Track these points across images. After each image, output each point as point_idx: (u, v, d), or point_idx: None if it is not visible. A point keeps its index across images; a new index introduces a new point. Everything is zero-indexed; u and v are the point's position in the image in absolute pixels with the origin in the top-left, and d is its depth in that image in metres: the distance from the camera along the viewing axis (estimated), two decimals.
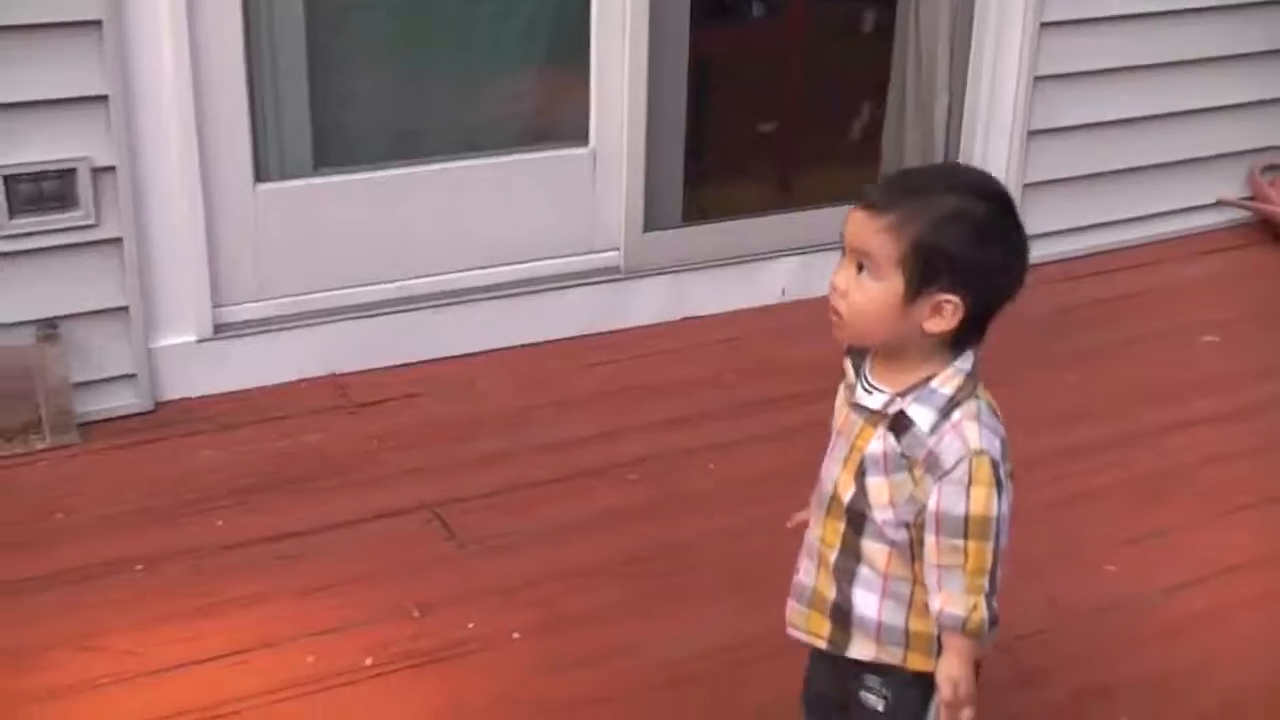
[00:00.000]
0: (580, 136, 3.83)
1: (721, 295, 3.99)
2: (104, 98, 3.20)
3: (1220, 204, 4.62)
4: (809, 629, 2.06)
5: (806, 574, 2.05)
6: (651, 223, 3.90)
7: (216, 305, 3.49)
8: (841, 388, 2.02)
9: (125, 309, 3.35)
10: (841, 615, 2.02)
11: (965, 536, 1.90)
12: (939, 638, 1.96)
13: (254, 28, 3.41)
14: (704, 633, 2.68)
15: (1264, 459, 3.42)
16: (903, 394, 1.92)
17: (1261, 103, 4.59)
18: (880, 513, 1.96)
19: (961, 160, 4.25)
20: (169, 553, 2.89)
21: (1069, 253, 4.40)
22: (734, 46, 4.25)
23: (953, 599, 1.92)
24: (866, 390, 1.96)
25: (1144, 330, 4.04)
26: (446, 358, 3.69)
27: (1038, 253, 4.43)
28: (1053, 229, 4.34)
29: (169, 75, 3.27)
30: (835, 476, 2.00)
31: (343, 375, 3.59)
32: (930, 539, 1.92)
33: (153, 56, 3.24)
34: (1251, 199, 4.62)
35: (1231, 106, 4.53)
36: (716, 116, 4.25)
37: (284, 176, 3.55)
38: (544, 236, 3.82)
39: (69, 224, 3.24)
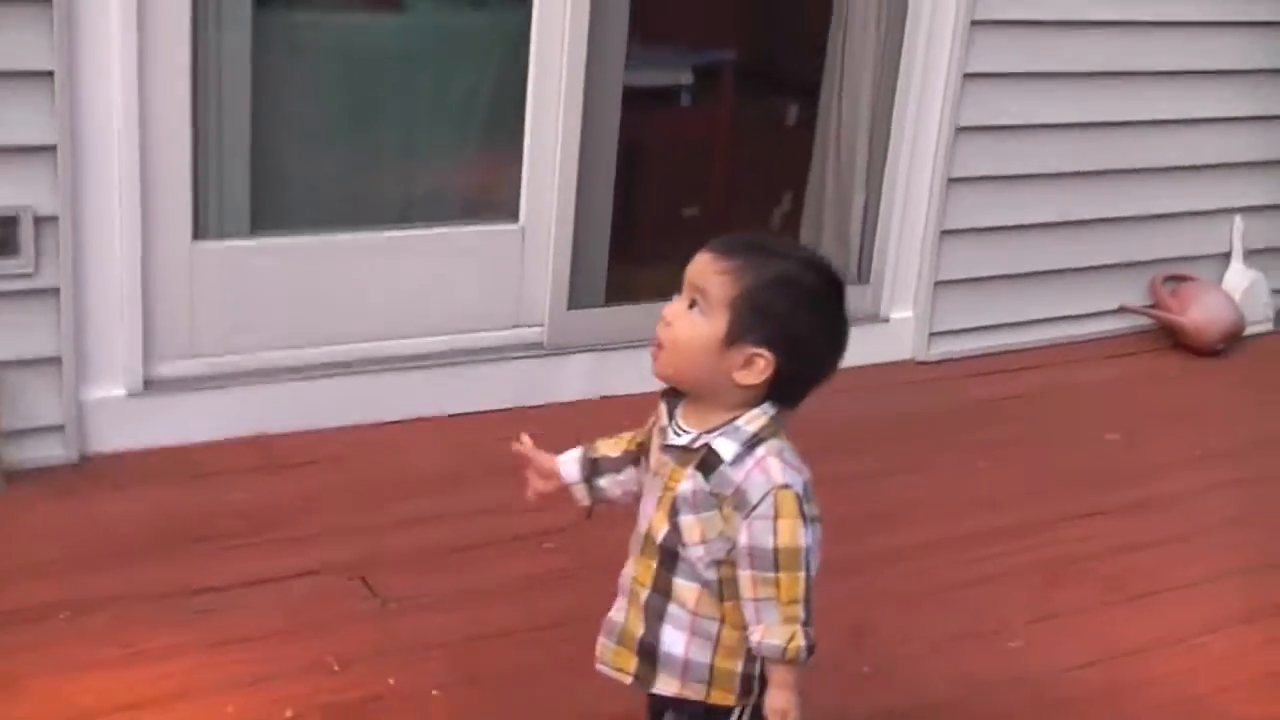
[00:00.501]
0: (511, 213, 3.84)
1: (643, 375, 3.96)
2: (51, 148, 3.18)
3: (1123, 310, 4.71)
4: (615, 664, 2.12)
5: (618, 611, 2.12)
6: (576, 300, 3.92)
7: (148, 360, 3.45)
8: (655, 431, 2.09)
9: (58, 359, 3.31)
10: (648, 652, 2.07)
11: (776, 569, 1.95)
12: (744, 675, 2.03)
13: (201, 89, 3.42)
14: (619, 692, 2.68)
15: (1164, 549, 3.48)
16: (709, 431, 1.99)
17: (1162, 216, 4.71)
18: (693, 550, 2.00)
19: (877, 258, 4.33)
20: (91, 601, 2.84)
21: (977, 350, 4.47)
22: (662, 133, 4.32)
23: (771, 630, 1.97)
24: (676, 433, 2.03)
25: (1051, 426, 4.11)
26: (375, 423, 3.67)
27: (947, 348, 4.49)
28: (961, 326, 4.44)
29: (116, 129, 3.26)
30: (650, 516, 2.05)
31: (271, 436, 3.56)
32: (744, 574, 1.97)
33: (102, 109, 3.24)
34: (1153, 307, 4.73)
35: (1134, 218, 4.65)
36: (642, 200, 4.30)
37: (222, 235, 3.54)
38: (473, 309, 3.84)
39: (8, 271, 3.21)
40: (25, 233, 3.20)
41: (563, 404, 3.90)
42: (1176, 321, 4.64)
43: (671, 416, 2.06)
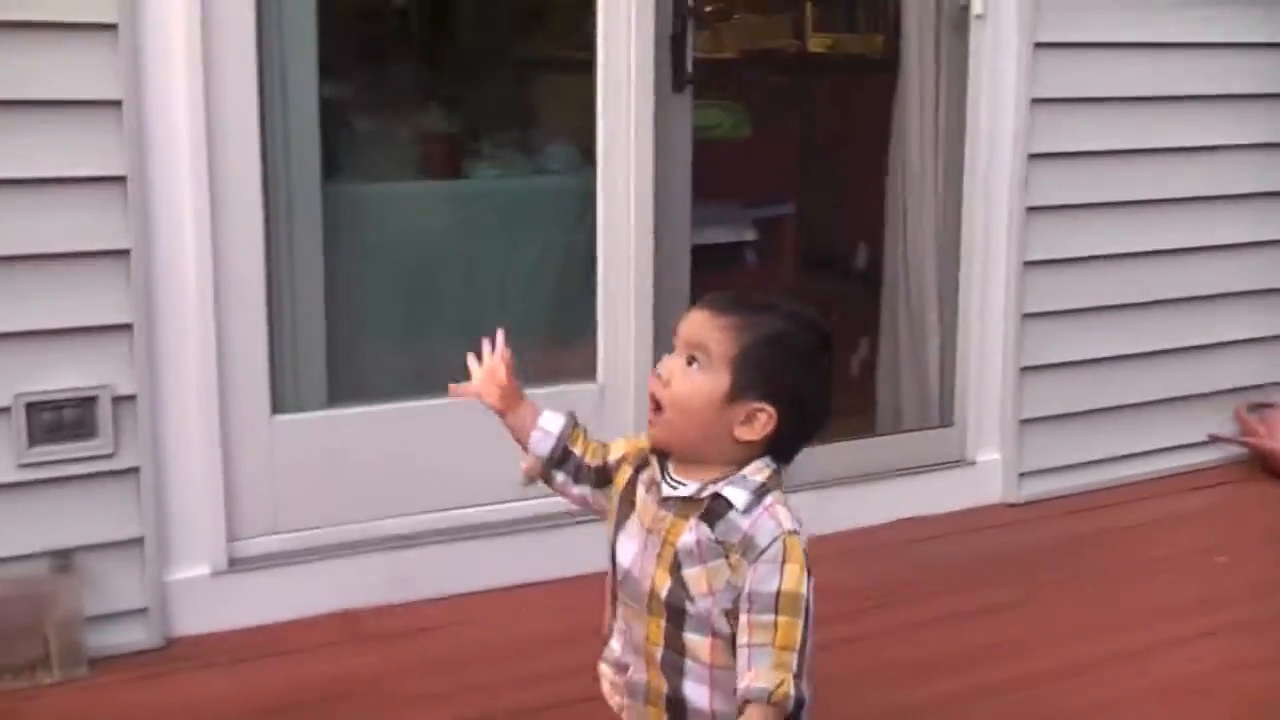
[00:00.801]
0: (588, 373, 3.76)
1: None
2: (128, 326, 3.14)
3: (1212, 440, 4.55)
4: None
5: (638, 671, 2.07)
6: None
7: (231, 537, 3.35)
8: (640, 484, 2.09)
9: (140, 540, 3.21)
10: (678, 707, 2.04)
11: (776, 611, 1.94)
12: None
13: (274, 264, 3.38)
14: None
15: None
16: (714, 481, 2.00)
17: (1245, 341, 4.57)
18: (701, 602, 1.98)
19: (958, 400, 4.21)
20: None
21: (1067, 489, 4.29)
22: (729, 287, 4.26)
23: (760, 675, 1.92)
24: (672, 485, 2.04)
25: (1154, 554, 3.93)
26: (461, 593, 3.52)
27: (1037, 489, 4.31)
28: (1049, 465, 4.28)
29: (192, 306, 3.22)
30: (651, 574, 2.02)
31: (356, 610, 3.42)
32: (742, 619, 1.95)
33: (177, 287, 3.20)
34: (1241, 435, 4.57)
35: (1212, 346, 4.50)
36: None
37: (299, 409, 3.47)
38: None
39: (87, 453, 3.14)
40: (104, 413, 3.14)
41: None
42: (1268, 447, 4.46)
43: (663, 471, 2.07)
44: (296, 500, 3.45)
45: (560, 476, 2.19)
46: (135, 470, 3.20)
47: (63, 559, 3.12)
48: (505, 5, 4.31)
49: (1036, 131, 4.10)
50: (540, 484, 2.25)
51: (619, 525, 2.12)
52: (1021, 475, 4.25)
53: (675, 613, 2.00)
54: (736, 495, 1.97)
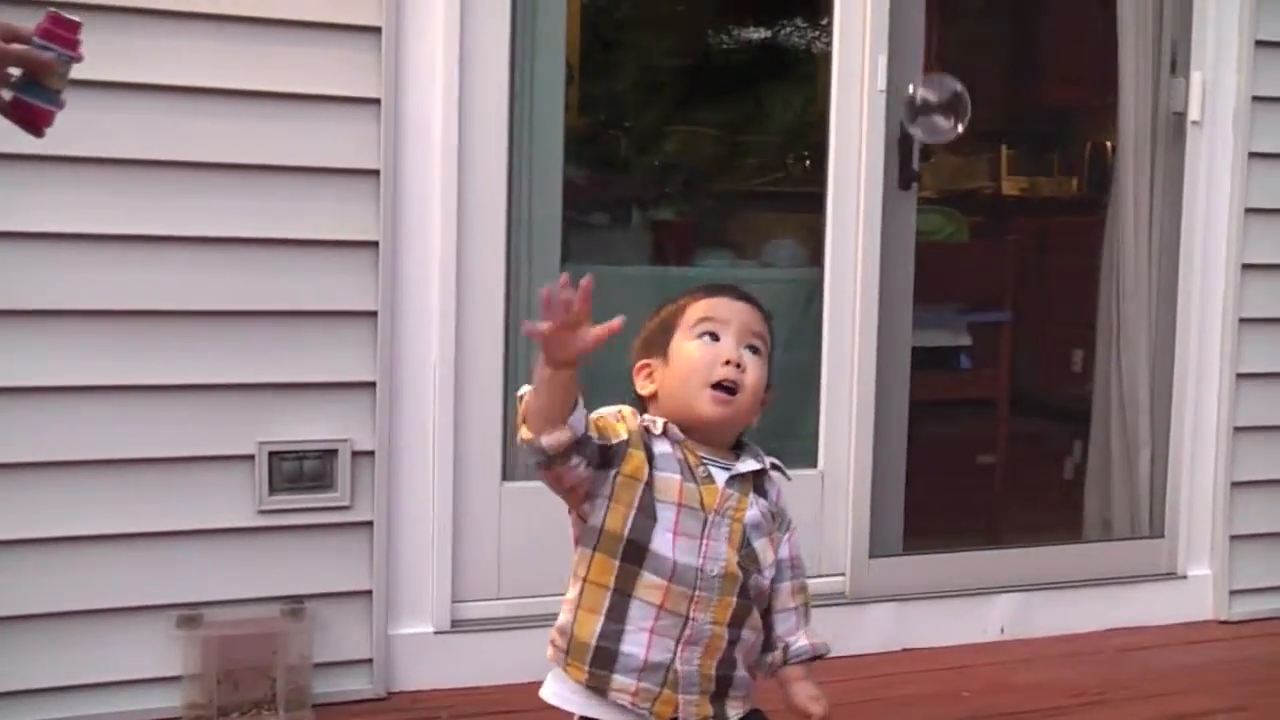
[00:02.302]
0: (809, 459, 3.54)
1: (942, 628, 3.59)
2: (371, 384, 3.03)
3: None
4: (699, 716, 1.94)
5: (688, 663, 1.93)
6: (876, 549, 3.55)
7: (456, 599, 3.18)
8: (675, 468, 1.94)
9: (369, 593, 3.06)
10: (722, 687, 1.96)
11: (804, 574, 2.06)
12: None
13: (512, 337, 3.24)
14: None
15: None
16: (737, 457, 2.01)
17: None
18: (767, 572, 1.98)
19: (1169, 512, 3.87)
20: None
21: (1278, 610, 3.92)
22: (945, 389, 4.07)
23: (815, 632, 2.04)
24: (723, 465, 1.98)
25: None
26: None
27: (1251, 607, 3.94)
28: (1260, 585, 3.90)
29: (433, 370, 3.10)
30: (723, 555, 1.92)
31: None
32: (785, 585, 2.02)
33: (420, 351, 3.10)
34: None
35: None
36: (930, 452, 3.96)
37: (529, 477, 3.30)
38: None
39: (324, 504, 3.02)
40: (343, 466, 3.02)
41: (862, 655, 3.44)
42: None
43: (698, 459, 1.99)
44: (520, 567, 3.26)
45: (575, 459, 1.91)
46: (369, 524, 3.06)
47: (295, 605, 2.98)
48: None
49: (1250, 241, 3.83)
50: (529, 463, 1.99)
51: (651, 515, 1.91)
52: (1233, 592, 3.87)
53: (744, 589, 1.95)
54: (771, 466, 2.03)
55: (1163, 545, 3.89)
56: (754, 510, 1.96)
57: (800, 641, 2.01)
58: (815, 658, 2.03)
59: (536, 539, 3.27)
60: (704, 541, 1.91)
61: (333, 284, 3.01)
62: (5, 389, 2.81)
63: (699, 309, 2.04)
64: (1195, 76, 3.83)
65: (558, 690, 2.00)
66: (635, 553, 1.91)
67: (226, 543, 2.96)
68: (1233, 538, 3.89)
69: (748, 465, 1.99)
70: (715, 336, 2.00)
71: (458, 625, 3.19)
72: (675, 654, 1.91)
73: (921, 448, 3.68)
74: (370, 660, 3.08)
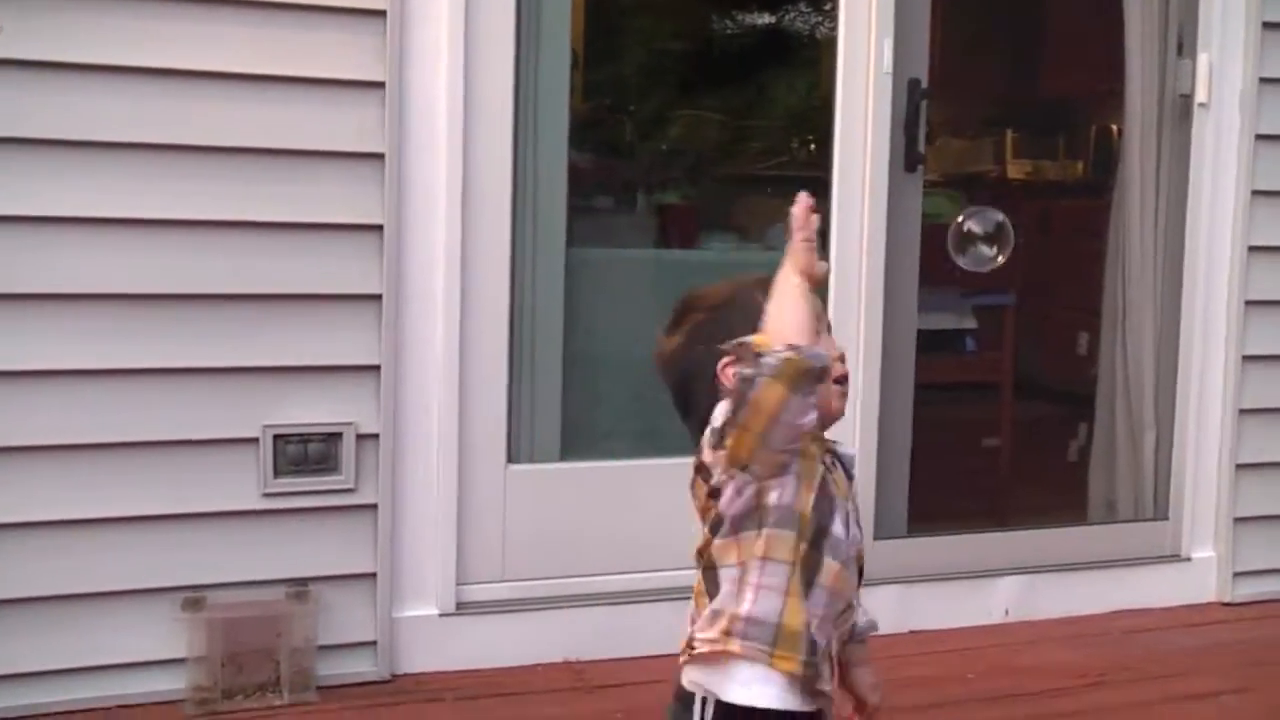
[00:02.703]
0: None
1: (946, 610, 3.55)
2: (375, 368, 3.00)
3: None
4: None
5: (832, 648, 1.85)
6: (880, 531, 3.50)
7: (460, 582, 3.15)
8: (817, 463, 1.79)
9: (373, 576, 3.03)
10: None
11: None
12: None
13: (517, 322, 3.23)
14: None
15: None
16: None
17: None
18: None
19: (1174, 494, 3.84)
20: None
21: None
22: (950, 372, 4.03)
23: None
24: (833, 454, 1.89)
25: None
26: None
27: (1255, 589, 3.90)
28: (1264, 566, 3.85)
29: (438, 353, 3.08)
30: (858, 538, 1.91)
31: (580, 662, 3.19)
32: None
33: (425, 334, 3.07)
34: None
35: None
36: (935, 435, 3.93)
37: (533, 460, 3.27)
38: None
39: (329, 487, 2.99)
40: (347, 449, 2.99)
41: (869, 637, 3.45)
42: None
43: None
44: (525, 549, 3.23)
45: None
46: (373, 507, 3.03)
47: (299, 587, 2.95)
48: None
49: (1257, 224, 3.77)
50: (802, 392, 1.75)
51: (829, 497, 1.81)
52: (1237, 574, 3.83)
53: (861, 570, 1.93)
54: None
55: (1167, 527, 3.85)
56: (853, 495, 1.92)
57: (863, 618, 1.97)
58: (874, 629, 2.03)
59: (541, 521, 3.26)
60: (848, 522, 1.85)
61: (337, 267, 2.98)
62: (8, 373, 2.78)
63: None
64: (1202, 59, 3.78)
65: (766, 691, 1.76)
66: (819, 535, 1.79)
67: (231, 525, 2.94)
68: (1236, 520, 3.85)
69: (849, 450, 1.91)
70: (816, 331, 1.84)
71: (462, 608, 3.16)
72: (831, 639, 1.82)
73: (926, 430, 3.65)
74: (375, 643, 3.05)
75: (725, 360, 1.80)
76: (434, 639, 3.12)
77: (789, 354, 1.69)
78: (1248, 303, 3.80)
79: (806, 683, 1.75)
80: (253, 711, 2.88)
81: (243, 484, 2.93)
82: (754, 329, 1.76)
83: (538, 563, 3.24)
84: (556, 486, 3.29)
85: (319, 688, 2.96)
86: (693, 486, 1.85)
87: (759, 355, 1.70)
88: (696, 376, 1.88)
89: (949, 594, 3.57)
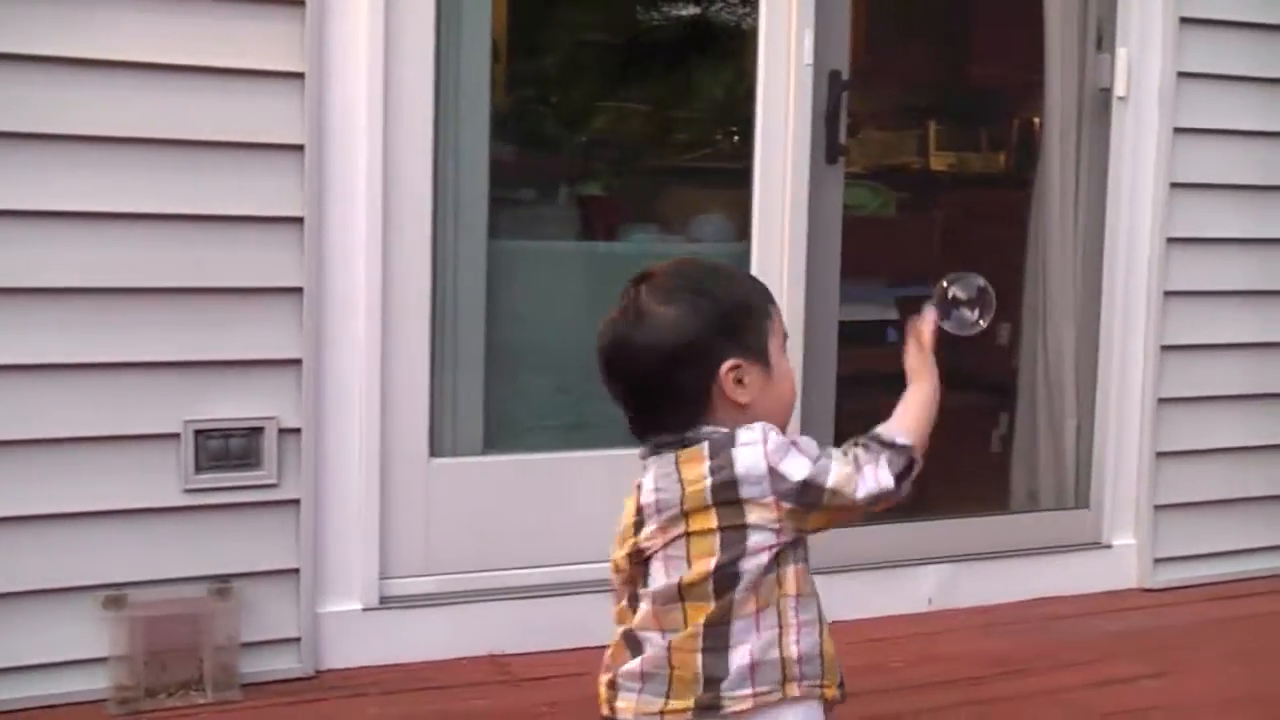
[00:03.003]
0: None
1: (870, 600, 3.60)
2: (297, 361, 3.01)
3: None
4: None
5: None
6: None
7: (384, 576, 3.17)
8: None
9: (296, 571, 3.05)
10: None
11: None
12: None
13: (438, 313, 3.26)
14: None
15: None
16: None
17: None
18: None
19: (1095, 482, 3.95)
20: None
21: (1204, 578, 3.98)
22: (870, 363, 4.09)
23: None
24: None
25: None
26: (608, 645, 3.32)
27: (1173, 575, 4.05)
28: (1183, 553, 3.97)
29: (359, 347, 3.10)
30: None
31: (504, 655, 3.22)
32: None
33: (346, 328, 3.08)
34: None
35: None
36: (857, 428, 3.99)
37: (456, 453, 3.30)
38: None
39: (251, 482, 3.00)
40: (269, 444, 3.01)
41: None
42: None
43: None
44: (448, 543, 3.26)
45: None
46: (296, 502, 3.05)
47: (222, 584, 2.96)
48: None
49: (1175, 216, 3.88)
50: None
51: None
52: (1156, 560, 3.95)
53: None
54: None
55: (1088, 515, 3.95)
56: None
57: None
58: None
59: (464, 515, 3.30)
60: None
61: (258, 260, 2.99)
62: None
63: (779, 316, 1.93)
64: (1121, 53, 3.87)
65: None
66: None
67: (152, 522, 2.94)
68: (1156, 507, 3.96)
69: None
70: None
71: (386, 602, 3.18)
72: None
73: (849, 422, 3.69)
74: (298, 639, 3.07)
75: (732, 364, 1.80)
76: (358, 634, 3.14)
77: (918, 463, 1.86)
78: (1166, 293, 3.90)
79: (836, 703, 1.84)
80: (176, 710, 2.89)
81: (164, 480, 2.94)
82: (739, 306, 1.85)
83: (461, 556, 3.27)
84: (480, 480, 3.32)
85: (243, 685, 2.97)
86: (693, 510, 1.79)
87: (904, 451, 1.85)
88: (687, 361, 1.81)
89: (873, 583, 3.64)
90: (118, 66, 2.85)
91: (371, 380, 3.12)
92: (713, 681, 1.75)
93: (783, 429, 1.84)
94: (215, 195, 2.94)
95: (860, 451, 1.84)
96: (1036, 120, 4.16)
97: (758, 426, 1.79)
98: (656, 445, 1.84)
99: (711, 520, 1.76)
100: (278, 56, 2.96)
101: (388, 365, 3.15)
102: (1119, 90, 3.87)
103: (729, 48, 3.98)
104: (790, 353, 3.46)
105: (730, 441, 1.77)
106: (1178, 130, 3.87)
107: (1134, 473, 3.95)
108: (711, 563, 1.75)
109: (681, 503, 1.78)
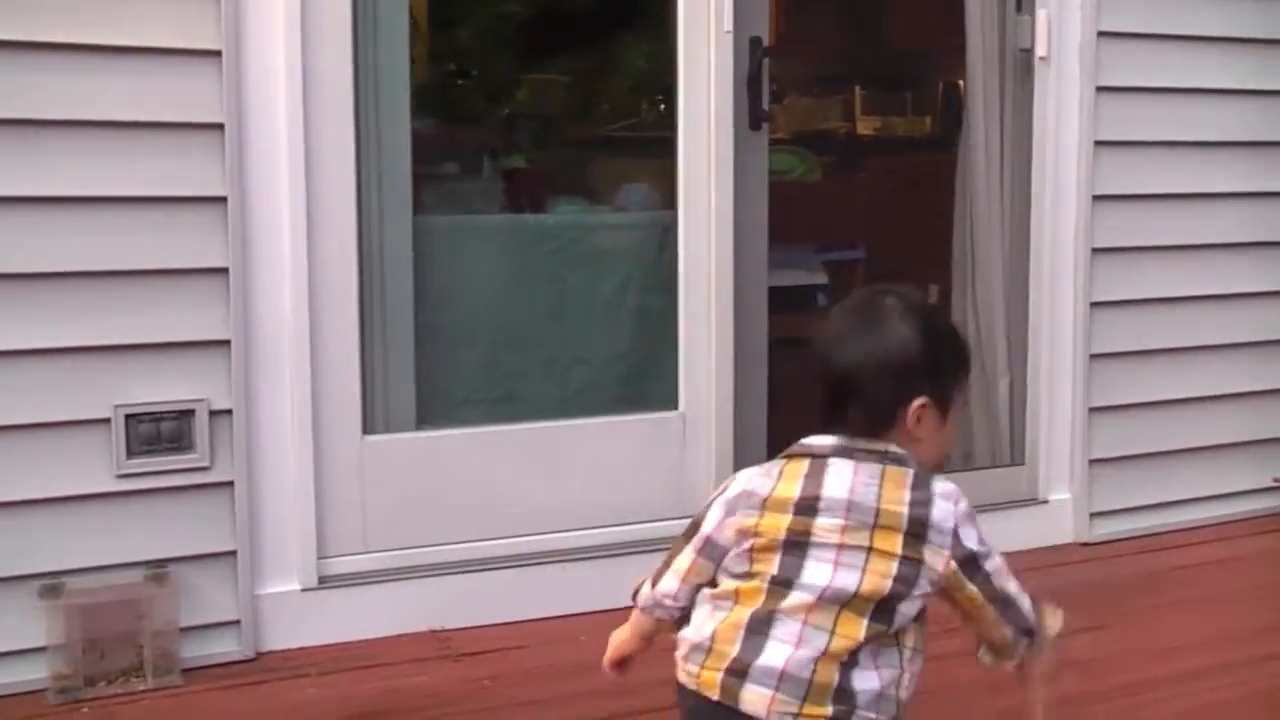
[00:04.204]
0: (669, 402, 3.71)
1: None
2: (226, 342, 3.13)
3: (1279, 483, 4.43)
4: None
5: None
6: None
7: (321, 556, 3.30)
8: None
9: (233, 554, 3.17)
10: None
11: None
12: None
13: (367, 289, 3.38)
14: None
15: None
16: None
17: None
18: None
19: (1029, 440, 4.15)
20: None
21: (1140, 530, 4.20)
22: (802, 328, 4.24)
23: None
24: None
25: (1230, 587, 3.81)
26: (547, 617, 3.44)
27: (1110, 529, 4.22)
28: (1121, 506, 4.19)
29: (288, 326, 3.21)
30: None
31: (443, 630, 3.36)
32: None
33: (274, 307, 3.20)
34: None
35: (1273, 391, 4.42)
36: (790, 392, 4.14)
37: (389, 430, 3.43)
38: (637, 499, 3.63)
39: (184, 465, 3.12)
40: (201, 427, 3.12)
41: None
42: None
43: None
44: (385, 520, 3.40)
45: None
46: (230, 484, 3.17)
47: (159, 569, 3.07)
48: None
49: (1101, 174, 4.08)
50: None
51: None
52: (1093, 515, 4.16)
53: None
54: None
55: (1023, 472, 4.15)
56: None
57: None
58: None
59: (400, 491, 3.43)
60: None
61: (182, 241, 3.10)
62: None
63: (968, 386, 2.20)
64: (1041, 14, 4.06)
65: None
66: None
67: (86, 509, 3.05)
68: (1091, 462, 4.17)
69: None
70: None
71: (324, 581, 3.31)
72: None
73: (782, 387, 3.86)
74: (238, 621, 3.19)
75: (923, 401, 1.98)
76: (297, 614, 3.26)
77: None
78: (1094, 250, 4.11)
79: None
80: (116, 697, 3.00)
81: (96, 466, 3.04)
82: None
83: (398, 533, 3.41)
84: (414, 456, 3.45)
85: (183, 670, 3.09)
86: (884, 528, 1.94)
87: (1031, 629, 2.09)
88: (896, 378, 1.99)
89: None
90: (32, 48, 2.93)
91: (301, 360, 3.24)
92: (845, 695, 1.90)
93: (931, 467, 2.02)
94: (136, 177, 3.04)
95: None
96: (961, 83, 4.32)
97: (952, 486, 1.99)
98: (851, 449, 2.00)
99: (896, 546, 1.93)
100: (194, 34, 3.06)
101: (317, 344, 3.27)
102: (1040, 50, 4.05)
103: (650, 16, 4.11)
104: (720, 319, 3.61)
105: (929, 483, 1.97)
106: (1099, 89, 4.07)
107: (1068, 428, 4.15)
108: (886, 585, 1.91)
109: (876, 516, 1.94)
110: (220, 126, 3.09)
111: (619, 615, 3.40)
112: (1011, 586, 2.04)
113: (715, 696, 1.90)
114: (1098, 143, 4.06)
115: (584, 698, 2.99)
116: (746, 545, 1.97)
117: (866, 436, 1.99)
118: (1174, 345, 4.23)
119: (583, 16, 4.47)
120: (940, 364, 2.03)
